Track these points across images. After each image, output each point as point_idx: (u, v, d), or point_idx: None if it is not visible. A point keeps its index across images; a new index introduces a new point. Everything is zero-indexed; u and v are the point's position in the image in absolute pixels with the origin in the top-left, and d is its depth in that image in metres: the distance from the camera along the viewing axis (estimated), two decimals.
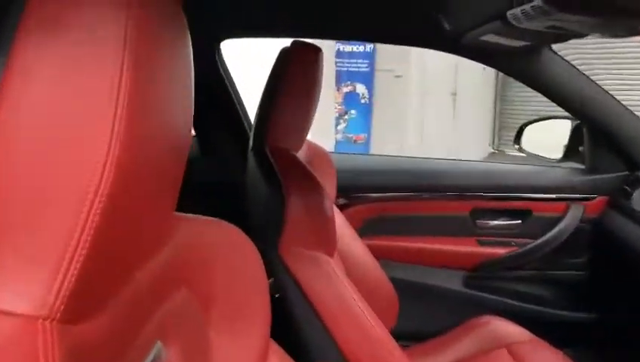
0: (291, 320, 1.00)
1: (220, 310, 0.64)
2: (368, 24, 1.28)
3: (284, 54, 1.09)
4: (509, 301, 1.58)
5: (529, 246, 1.55)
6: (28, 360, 0.31)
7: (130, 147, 0.36)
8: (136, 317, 0.47)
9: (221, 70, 1.46)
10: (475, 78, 6.41)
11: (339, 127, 5.62)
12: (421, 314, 1.57)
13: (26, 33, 0.35)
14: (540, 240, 1.55)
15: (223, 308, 0.65)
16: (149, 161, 0.40)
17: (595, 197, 1.55)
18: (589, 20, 0.78)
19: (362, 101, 5.62)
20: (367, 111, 5.62)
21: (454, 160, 1.76)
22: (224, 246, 0.67)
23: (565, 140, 1.62)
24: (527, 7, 0.77)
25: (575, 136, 1.59)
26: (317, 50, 1.11)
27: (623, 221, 1.44)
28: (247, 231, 0.72)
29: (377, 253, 1.47)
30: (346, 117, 5.60)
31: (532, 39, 1.10)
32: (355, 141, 5.60)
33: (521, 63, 1.32)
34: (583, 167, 1.59)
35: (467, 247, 1.60)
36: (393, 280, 1.44)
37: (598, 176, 1.55)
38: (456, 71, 6.18)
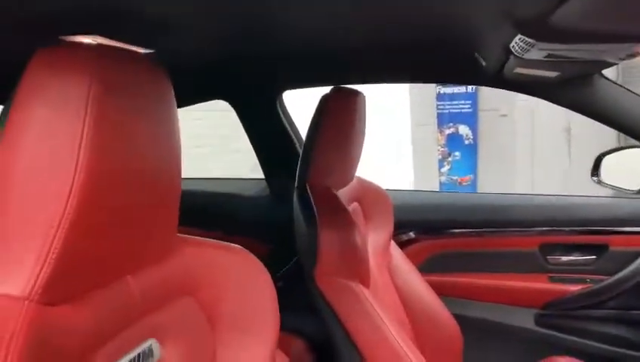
0: (330, 345, 1.06)
1: (227, 326, 0.73)
2: (408, 67, 1.35)
3: (324, 100, 1.19)
4: (586, 341, 1.49)
5: (605, 283, 1.46)
6: None
7: (91, 180, 0.48)
8: (124, 315, 0.58)
9: (284, 119, 1.60)
10: None
11: (442, 170, 5.57)
12: (488, 354, 1.53)
13: (20, 94, 0.49)
14: (617, 276, 1.45)
15: (230, 324, 0.74)
16: (114, 191, 0.52)
17: None
18: (581, 47, 0.79)
19: (466, 142, 5.54)
20: (471, 152, 5.53)
21: (524, 194, 1.72)
22: (236, 270, 0.76)
23: None
24: (516, 39, 0.81)
25: None
26: (355, 95, 1.21)
27: None
28: None
29: (440, 290, 1.48)
30: (450, 159, 5.54)
31: (563, 69, 1.10)
32: (460, 183, 5.51)
33: (570, 93, 1.30)
34: None
35: (537, 284, 1.54)
36: (457, 317, 1.44)
37: None
38: None
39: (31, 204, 0.47)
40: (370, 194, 1.43)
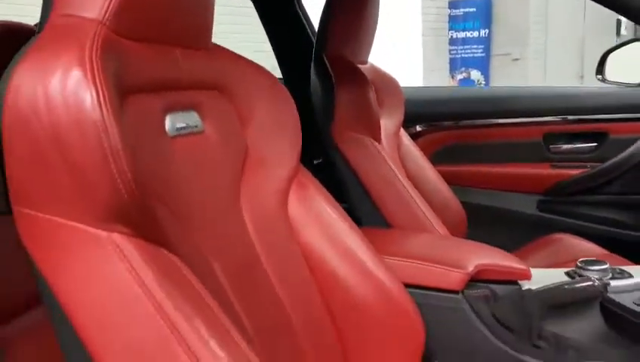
0: (342, 190, 1.16)
1: (256, 128, 0.82)
2: None
3: None
4: (585, 223, 1.58)
5: (604, 166, 1.55)
6: (78, 44, 0.52)
7: None
8: (174, 78, 0.66)
9: (303, 20, 1.65)
10: None
11: None
12: (492, 236, 1.63)
13: None
14: (615, 159, 1.54)
15: (259, 128, 0.82)
16: None
17: None
18: None
19: (478, 87, 5.56)
20: None
21: (529, 86, 1.79)
22: (267, 88, 0.83)
23: None
24: None
25: None
26: None
27: None
28: None
29: (449, 179, 1.57)
30: None
31: None
32: None
33: None
34: None
35: (539, 170, 1.63)
36: (464, 204, 1.53)
37: None
38: (582, 51, 5.85)
39: None
40: (383, 80, 1.51)
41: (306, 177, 0.86)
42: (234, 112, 0.79)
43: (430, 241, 1.08)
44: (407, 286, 0.88)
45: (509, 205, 1.65)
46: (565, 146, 1.63)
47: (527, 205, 1.64)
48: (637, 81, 1.63)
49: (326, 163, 1.17)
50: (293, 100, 0.86)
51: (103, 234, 0.47)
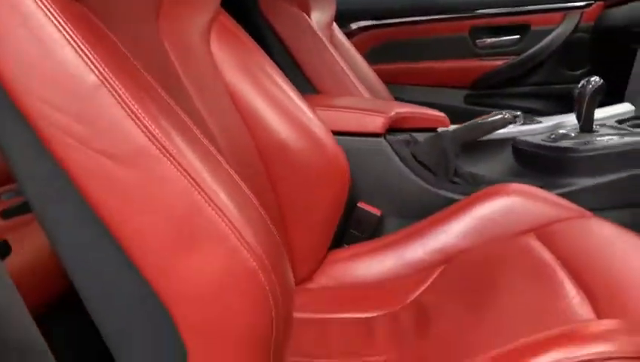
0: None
1: None
2: None
3: None
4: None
5: (525, 55, 1.63)
6: None
7: None
8: None
9: None
10: None
11: None
12: None
13: None
14: (536, 47, 1.62)
15: None
16: None
17: (592, 3, 1.60)
18: None
19: None
20: None
21: None
22: None
23: None
24: None
25: None
26: None
27: (620, 12, 1.48)
28: None
29: (383, 77, 1.61)
30: None
31: None
32: None
33: None
34: None
35: (467, 63, 1.70)
36: (399, 101, 1.58)
37: None
38: None
39: None
40: None
41: (229, 20, 0.87)
42: None
43: (357, 100, 1.12)
44: (335, 132, 0.92)
45: (439, 100, 1.71)
46: (490, 40, 1.70)
47: (456, 99, 1.71)
48: None
49: (252, 34, 1.18)
50: None
51: None
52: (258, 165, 0.84)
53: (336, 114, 0.97)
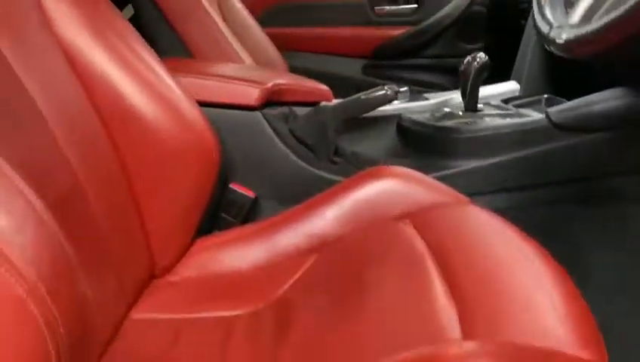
0: (139, 22, 1.04)
1: None
2: None
3: None
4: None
5: (423, 25, 1.59)
6: None
7: None
8: None
9: None
10: None
11: None
12: None
13: None
14: (433, 18, 1.58)
15: None
16: None
17: None
18: None
19: None
20: None
21: None
22: None
23: None
24: None
25: None
26: None
27: None
28: None
29: (275, 42, 1.51)
30: None
31: None
32: None
33: None
34: None
35: (365, 32, 1.63)
36: (295, 69, 1.49)
37: None
38: None
39: None
40: None
41: None
42: None
43: (234, 67, 1.02)
44: (202, 104, 0.82)
45: (336, 69, 1.64)
46: (388, 8, 1.64)
47: (353, 69, 1.65)
48: None
49: None
50: None
51: None
52: (99, 137, 0.71)
53: (204, 82, 0.86)
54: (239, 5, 1.47)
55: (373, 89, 0.91)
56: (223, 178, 0.86)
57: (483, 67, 0.90)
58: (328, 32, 1.64)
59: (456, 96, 1.02)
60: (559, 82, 1.08)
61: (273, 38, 1.50)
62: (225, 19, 1.41)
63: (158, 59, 0.75)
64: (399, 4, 1.64)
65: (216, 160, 0.79)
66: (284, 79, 0.93)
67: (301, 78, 0.99)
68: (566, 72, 1.08)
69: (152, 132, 0.73)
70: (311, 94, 0.94)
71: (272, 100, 0.90)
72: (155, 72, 0.75)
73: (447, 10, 1.57)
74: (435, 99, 1.02)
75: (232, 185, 0.87)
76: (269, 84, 0.88)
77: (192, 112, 0.77)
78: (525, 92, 1.07)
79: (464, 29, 1.61)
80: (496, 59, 1.61)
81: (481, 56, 0.91)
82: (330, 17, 1.63)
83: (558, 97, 1.06)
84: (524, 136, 0.85)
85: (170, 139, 0.75)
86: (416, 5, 1.63)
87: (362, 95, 0.91)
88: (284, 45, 1.57)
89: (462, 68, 0.92)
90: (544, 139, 0.84)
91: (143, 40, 0.77)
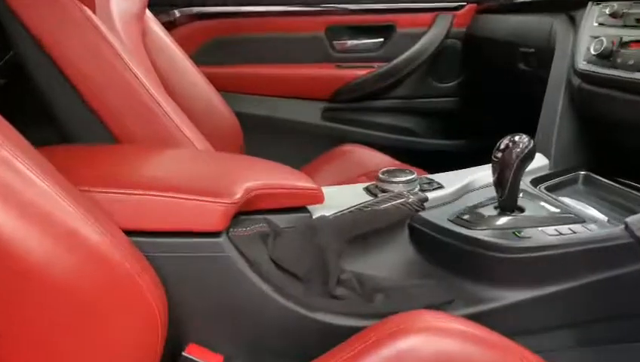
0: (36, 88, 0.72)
1: None
2: None
3: None
4: (375, 132, 1.40)
5: (391, 64, 1.35)
6: None
7: None
8: None
9: None
10: None
11: None
12: (272, 152, 1.35)
13: None
14: (402, 56, 1.35)
15: None
16: None
17: (465, 5, 1.37)
18: None
19: None
20: None
21: None
22: None
23: None
24: None
25: None
26: None
27: (493, 19, 1.27)
28: None
29: (218, 85, 1.21)
30: None
31: None
32: None
33: None
34: None
35: (324, 71, 1.37)
36: (238, 114, 1.20)
37: None
38: None
39: None
40: None
41: None
42: None
43: (178, 160, 0.71)
44: (132, 233, 0.52)
45: (290, 114, 1.37)
46: (350, 42, 1.39)
47: (311, 114, 1.38)
48: None
49: None
50: None
51: None
52: None
53: (139, 200, 0.56)
54: (169, 41, 1.16)
55: (389, 194, 0.65)
56: (176, 339, 0.57)
57: (528, 155, 0.67)
58: (281, 71, 1.36)
59: (477, 177, 0.79)
60: (592, 154, 0.88)
61: (212, 78, 1.20)
62: (150, 55, 1.10)
63: (51, 168, 0.46)
64: (362, 39, 1.39)
65: (159, 315, 0.51)
66: (257, 177, 0.64)
67: (279, 167, 0.71)
68: (600, 142, 0.88)
69: (58, 281, 0.45)
70: (295, 197, 0.66)
71: (242, 210, 0.62)
72: (56, 191, 0.45)
73: (420, 44, 1.34)
74: (452, 185, 0.77)
75: (186, 351, 0.58)
76: (237, 195, 0.59)
77: (117, 252, 0.48)
78: (555, 166, 0.86)
79: (436, 65, 1.39)
80: (472, 101, 1.43)
81: (524, 140, 0.67)
82: (282, 53, 1.35)
83: (593, 174, 0.85)
84: (597, 255, 0.62)
85: (85, 294, 0.46)
86: (382, 40, 1.39)
87: (372, 204, 0.64)
88: (224, 87, 1.27)
89: (498, 155, 0.67)
90: (625, 260, 0.62)
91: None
